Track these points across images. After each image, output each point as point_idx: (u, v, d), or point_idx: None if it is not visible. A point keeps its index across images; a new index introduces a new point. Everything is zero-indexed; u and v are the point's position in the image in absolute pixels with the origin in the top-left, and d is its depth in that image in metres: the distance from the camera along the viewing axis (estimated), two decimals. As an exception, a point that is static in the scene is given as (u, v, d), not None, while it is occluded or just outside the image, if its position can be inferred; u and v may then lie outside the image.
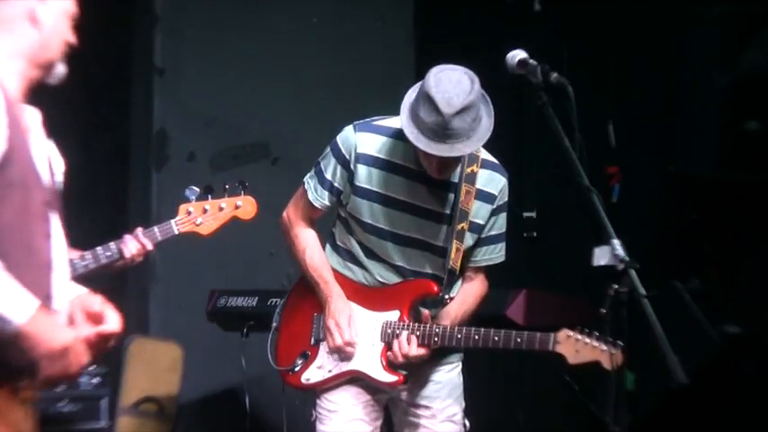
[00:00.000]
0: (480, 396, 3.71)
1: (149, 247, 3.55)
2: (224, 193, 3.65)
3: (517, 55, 3.09)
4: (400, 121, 3.27)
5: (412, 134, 3.21)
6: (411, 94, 3.30)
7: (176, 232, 3.59)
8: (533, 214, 5.56)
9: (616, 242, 2.76)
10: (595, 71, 5.16)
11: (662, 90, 5.22)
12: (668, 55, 5.13)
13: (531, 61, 3.07)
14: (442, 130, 3.16)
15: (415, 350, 3.37)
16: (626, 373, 2.95)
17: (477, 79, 3.21)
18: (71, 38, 2.60)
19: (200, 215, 3.62)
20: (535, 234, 5.56)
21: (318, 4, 6.00)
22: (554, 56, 3.87)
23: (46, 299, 2.48)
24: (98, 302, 2.64)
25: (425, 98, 3.18)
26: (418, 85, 3.29)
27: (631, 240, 2.83)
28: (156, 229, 3.57)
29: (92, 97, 5.71)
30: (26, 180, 2.46)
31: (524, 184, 5.24)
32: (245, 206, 3.66)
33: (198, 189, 3.63)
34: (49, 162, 2.62)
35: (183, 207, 3.63)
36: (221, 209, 3.63)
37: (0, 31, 2.51)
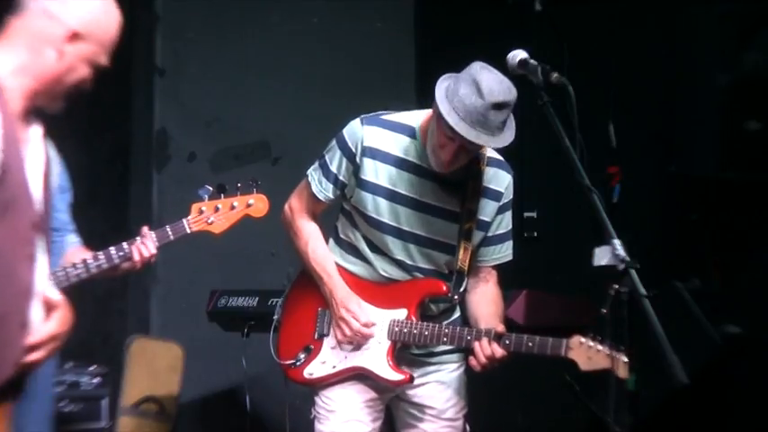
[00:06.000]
0: (480, 396, 3.70)
1: (153, 249, 3.53)
2: (236, 192, 3.65)
3: (518, 55, 3.09)
4: (435, 97, 3.21)
5: (444, 109, 3.17)
6: (446, 80, 3.25)
7: (189, 231, 3.58)
8: (534, 214, 5.56)
9: (616, 242, 2.76)
10: (595, 71, 5.16)
11: (662, 90, 5.23)
12: (668, 55, 5.14)
13: (532, 61, 3.07)
14: (477, 113, 3.13)
15: (499, 351, 3.30)
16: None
17: (515, 89, 3.19)
18: (86, 84, 2.62)
19: (212, 214, 3.61)
20: (535, 234, 5.57)
21: (318, 4, 6.00)
22: (554, 56, 3.87)
23: (21, 326, 2.46)
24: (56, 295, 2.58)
25: (469, 80, 3.15)
26: (450, 74, 3.26)
27: (632, 240, 2.83)
28: (168, 228, 3.56)
29: (92, 97, 5.68)
30: (16, 201, 2.43)
31: (524, 184, 5.24)
32: (256, 204, 3.65)
33: (211, 188, 3.63)
34: (44, 172, 2.59)
35: (195, 206, 3.62)
36: (233, 207, 3.63)
37: (27, 47, 2.52)
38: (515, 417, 5.31)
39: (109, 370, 5.13)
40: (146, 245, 3.48)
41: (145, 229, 3.52)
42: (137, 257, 3.47)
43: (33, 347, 2.49)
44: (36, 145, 2.56)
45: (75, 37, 2.54)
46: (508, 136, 3.23)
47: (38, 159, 2.56)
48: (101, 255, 3.42)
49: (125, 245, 3.47)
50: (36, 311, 2.51)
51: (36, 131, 2.58)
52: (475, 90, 3.14)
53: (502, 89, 3.16)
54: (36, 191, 2.52)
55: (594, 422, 4.09)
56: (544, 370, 4.40)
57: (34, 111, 2.58)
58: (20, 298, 2.45)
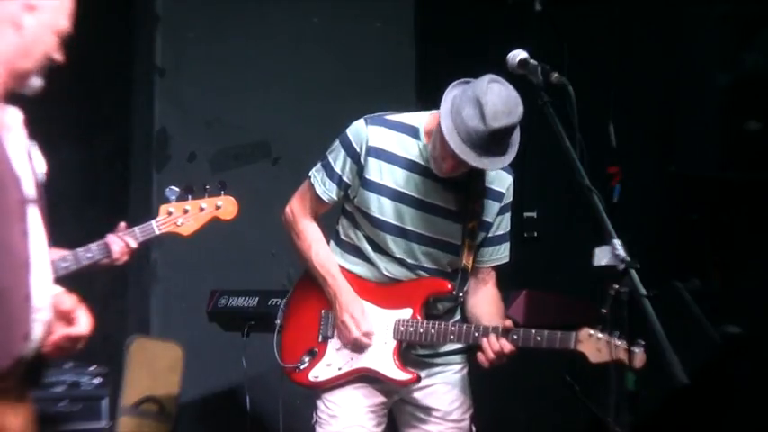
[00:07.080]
0: (481, 396, 3.70)
1: (133, 245, 3.53)
2: (204, 194, 3.65)
3: (518, 55, 3.09)
4: (440, 109, 3.21)
5: (447, 128, 3.17)
6: (456, 89, 3.24)
7: (157, 233, 3.58)
8: (533, 214, 5.55)
9: (617, 242, 2.76)
10: (595, 71, 5.16)
11: (662, 90, 5.22)
12: (668, 55, 5.13)
13: (532, 61, 3.07)
14: (478, 138, 3.14)
15: (508, 346, 3.28)
16: (627, 372, 2.95)
17: (521, 105, 3.18)
18: (56, 54, 2.56)
19: (181, 215, 3.61)
20: (535, 234, 5.56)
21: (319, 4, 6.00)
22: (554, 56, 3.87)
23: (25, 299, 2.47)
24: (69, 301, 2.63)
25: (473, 100, 3.14)
26: (462, 81, 3.26)
27: (632, 240, 2.83)
28: (136, 229, 3.56)
29: (92, 97, 5.71)
30: (2, 179, 2.45)
31: (524, 183, 5.23)
32: (225, 206, 3.66)
33: (178, 189, 3.62)
34: (29, 160, 2.60)
35: (163, 207, 3.62)
36: (202, 209, 3.63)
37: None
38: (516, 416, 5.31)
39: (109, 370, 5.12)
40: (117, 242, 3.47)
41: (122, 225, 3.52)
42: (114, 256, 3.46)
43: (76, 339, 2.59)
44: (17, 130, 2.56)
45: (29, 8, 2.50)
46: (509, 157, 3.24)
47: (21, 143, 2.56)
48: (69, 256, 3.41)
49: (93, 246, 3.46)
50: (39, 285, 2.51)
51: (15, 116, 2.56)
52: (478, 113, 3.12)
53: (507, 109, 3.13)
54: (22, 170, 2.51)
55: (595, 422, 4.08)
56: (545, 370, 4.40)
57: (10, 95, 2.55)
58: (20, 271, 2.47)
